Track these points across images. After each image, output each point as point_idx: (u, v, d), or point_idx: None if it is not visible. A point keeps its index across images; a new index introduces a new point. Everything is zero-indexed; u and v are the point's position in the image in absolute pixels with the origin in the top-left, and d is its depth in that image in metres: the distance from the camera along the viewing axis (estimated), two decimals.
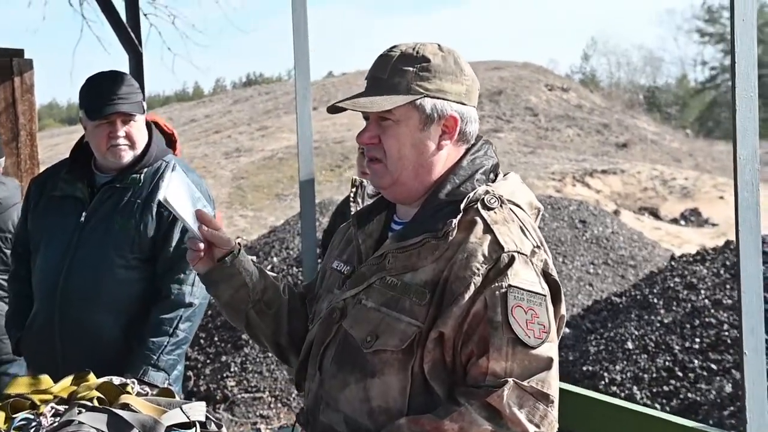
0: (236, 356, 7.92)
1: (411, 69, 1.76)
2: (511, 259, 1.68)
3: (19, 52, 5.34)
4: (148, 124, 3.18)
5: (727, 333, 6.46)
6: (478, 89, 1.87)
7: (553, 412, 1.67)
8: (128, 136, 3.02)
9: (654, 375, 6.38)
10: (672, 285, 7.31)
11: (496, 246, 1.70)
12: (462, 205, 1.74)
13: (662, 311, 6.98)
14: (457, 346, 1.68)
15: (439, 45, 1.82)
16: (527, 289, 1.68)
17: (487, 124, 26.82)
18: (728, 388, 5.83)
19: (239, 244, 2.04)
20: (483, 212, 1.75)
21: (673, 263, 7.94)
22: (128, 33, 4.87)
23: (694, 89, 53.98)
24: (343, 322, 1.81)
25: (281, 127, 27.93)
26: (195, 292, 3.04)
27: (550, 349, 1.67)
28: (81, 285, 3.00)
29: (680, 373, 6.27)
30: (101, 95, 3.01)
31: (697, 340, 6.54)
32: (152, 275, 3.06)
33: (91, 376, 2.45)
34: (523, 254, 1.71)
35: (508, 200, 1.79)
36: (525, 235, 1.75)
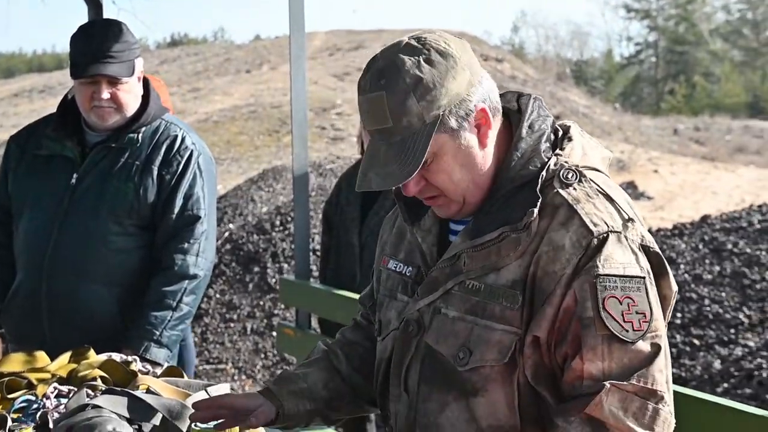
0: (195, 326, 7.68)
1: (411, 101, 1.51)
2: (602, 242, 1.49)
3: None
4: (145, 81, 2.93)
5: (708, 308, 6.50)
6: (469, 48, 1.61)
7: (666, 408, 1.47)
8: (114, 99, 2.78)
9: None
10: None
11: (585, 230, 1.50)
12: (538, 188, 1.53)
13: None
14: (551, 348, 1.51)
15: (408, 46, 1.55)
16: (621, 275, 1.47)
17: None
18: (717, 365, 5.78)
19: (276, 406, 1.79)
20: (562, 192, 1.54)
21: None
22: None
23: (619, 64, 54.94)
24: (425, 336, 1.63)
25: (213, 89, 27.36)
26: (199, 262, 2.83)
27: (654, 338, 1.47)
28: (72, 253, 2.77)
29: None
30: (87, 51, 2.74)
31: (679, 315, 6.54)
32: (151, 244, 2.84)
33: (91, 353, 2.35)
34: (615, 232, 1.50)
35: (584, 167, 1.59)
36: (615, 207, 1.55)
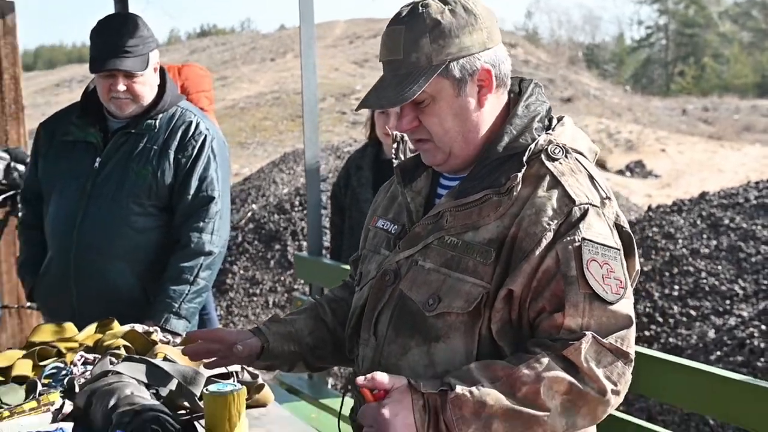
0: (221, 300, 7.97)
1: (425, 40, 1.62)
2: (584, 212, 1.59)
3: None
4: (162, 70, 3.07)
5: (705, 281, 6.70)
6: (497, 21, 1.71)
7: (630, 371, 1.58)
8: (130, 90, 2.91)
9: (635, 320, 6.55)
10: (650, 234, 7.50)
11: (567, 199, 1.60)
12: (525, 158, 1.64)
13: (641, 259, 7.14)
14: (525, 303, 1.60)
15: None
16: (601, 243, 1.58)
17: None
18: (711, 334, 6.04)
19: (262, 341, 1.89)
20: (548, 164, 1.65)
21: (650, 213, 8.14)
22: None
23: (630, 47, 54.74)
24: (400, 284, 1.71)
25: (240, 77, 27.62)
26: (214, 240, 2.97)
27: (627, 305, 1.58)
28: (96, 233, 2.91)
29: (660, 319, 6.47)
30: (104, 46, 2.87)
31: (676, 287, 6.75)
32: (169, 223, 2.99)
33: (116, 324, 2.47)
34: (594, 206, 1.61)
35: (571, 149, 1.69)
36: (594, 185, 1.65)
